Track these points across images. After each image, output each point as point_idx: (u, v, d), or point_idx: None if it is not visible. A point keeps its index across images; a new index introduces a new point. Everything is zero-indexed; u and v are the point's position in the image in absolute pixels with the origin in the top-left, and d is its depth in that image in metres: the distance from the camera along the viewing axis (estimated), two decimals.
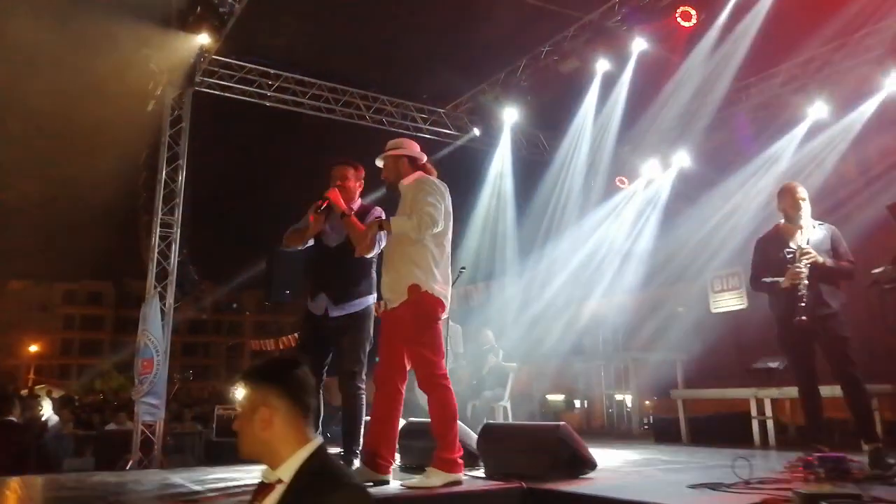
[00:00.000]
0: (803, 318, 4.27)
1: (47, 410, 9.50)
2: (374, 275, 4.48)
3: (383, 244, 4.25)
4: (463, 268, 7.63)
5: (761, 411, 6.64)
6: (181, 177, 8.87)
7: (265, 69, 9.58)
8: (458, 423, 5.51)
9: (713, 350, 8.82)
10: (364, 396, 4.39)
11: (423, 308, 3.84)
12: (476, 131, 10.88)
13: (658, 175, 10.70)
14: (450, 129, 10.97)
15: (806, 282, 4.34)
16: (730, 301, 9.79)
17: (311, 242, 4.57)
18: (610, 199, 11.15)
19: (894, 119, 7.84)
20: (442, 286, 3.91)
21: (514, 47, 9.67)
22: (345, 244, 4.36)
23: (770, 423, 6.57)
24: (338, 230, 4.44)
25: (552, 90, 9.52)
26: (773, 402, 6.57)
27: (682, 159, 10.40)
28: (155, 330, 8.32)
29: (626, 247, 10.63)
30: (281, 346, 41.50)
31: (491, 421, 6.82)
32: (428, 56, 10.02)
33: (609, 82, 9.00)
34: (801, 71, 8.86)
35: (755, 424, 6.67)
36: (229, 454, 7.87)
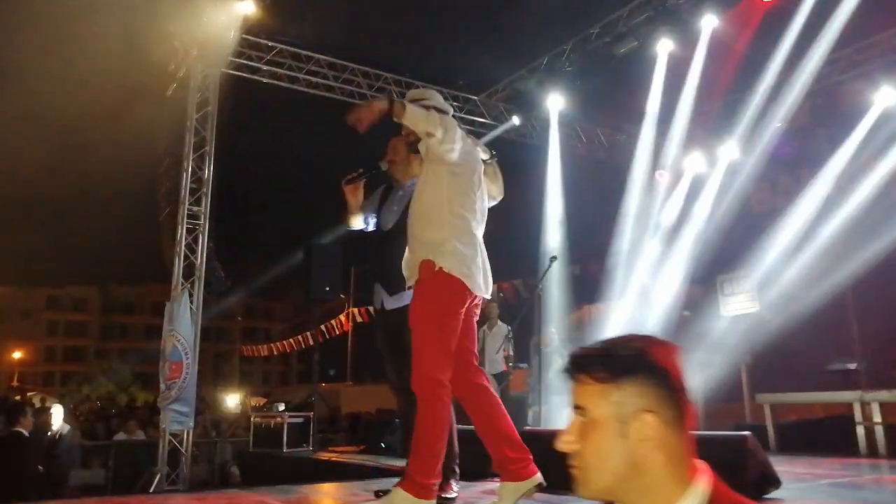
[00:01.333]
0: None
1: (57, 420, 8.79)
2: None
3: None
4: (554, 257, 7.04)
5: (867, 416, 6.08)
6: (209, 165, 8.19)
7: (296, 51, 8.92)
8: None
9: (773, 352, 8.29)
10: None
11: (435, 290, 3.07)
12: (516, 120, 10.28)
13: (703, 168, 10.12)
14: (486, 118, 10.37)
15: None
16: (741, 304, 9.45)
17: (373, 222, 3.95)
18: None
19: None
20: (465, 264, 3.10)
21: (560, 29, 9.11)
22: (400, 225, 3.66)
23: (880, 430, 6.01)
24: (394, 210, 3.81)
25: (603, 75, 8.91)
26: (882, 405, 6.01)
27: (731, 151, 9.85)
28: (184, 330, 7.64)
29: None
30: (274, 353, 40.76)
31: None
32: (464, 39, 9.46)
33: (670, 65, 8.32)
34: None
35: (860, 431, 6.11)
36: (269, 467, 7.20)
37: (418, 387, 3.04)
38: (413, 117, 3.04)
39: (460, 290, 3.09)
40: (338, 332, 29.77)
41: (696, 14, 7.65)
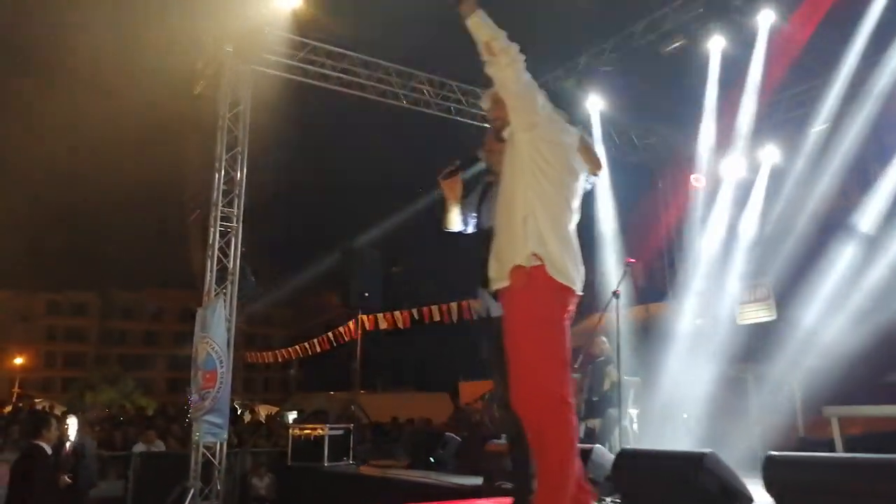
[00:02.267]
0: None
1: (73, 432, 8.46)
2: None
3: None
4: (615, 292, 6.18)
5: None
6: (241, 165, 7.88)
7: (330, 48, 8.62)
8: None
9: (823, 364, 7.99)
10: None
11: (536, 293, 2.65)
12: None
13: (744, 172, 9.81)
14: None
15: None
16: (757, 312, 9.19)
17: (473, 222, 3.61)
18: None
19: None
20: (567, 262, 2.71)
21: (600, 26, 8.81)
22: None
23: None
24: (494, 206, 3.44)
25: (645, 75, 8.61)
26: None
27: (773, 154, 9.57)
28: (219, 338, 7.31)
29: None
30: (280, 360, 40.27)
31: (627, 446, 5.90)
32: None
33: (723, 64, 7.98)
34: None
35: None
36: (310, 482, 6.87)
37: (535, 406, 2.67)
38: (479, 20, 2.67)
39: (560, 292, 2.71)
40: (346, 340, 29.38)
41: (752, 9, 7.36)
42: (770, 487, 3.15)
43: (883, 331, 7.58)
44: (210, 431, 7.26)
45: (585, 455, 4.82)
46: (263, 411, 23.89)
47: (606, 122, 9.54)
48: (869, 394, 7.15)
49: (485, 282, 3.36)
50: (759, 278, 9.09)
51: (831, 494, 3.01)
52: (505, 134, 2.96)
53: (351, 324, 31.36)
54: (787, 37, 7.15)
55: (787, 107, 9.35)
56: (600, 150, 9.50)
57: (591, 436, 6.75)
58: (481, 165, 3.53)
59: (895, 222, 7.67)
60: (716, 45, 7.76)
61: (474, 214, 3.57)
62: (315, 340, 30.57)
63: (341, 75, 8.72)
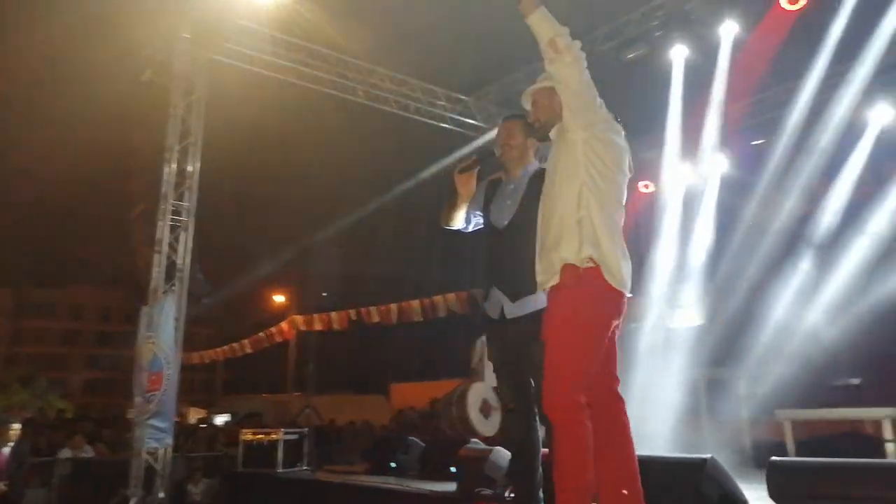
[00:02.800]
0: None
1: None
2: None
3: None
4: None
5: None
6: (194, 157, 7.50)
7: (290, 40, 8.32)
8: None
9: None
10: None
11: (583, 296, 2.62)
12: None
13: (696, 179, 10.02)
14: (476, 120, 10.00)
15: None
16: (687, 316, 9.49)
17: (476, 221, 3.51)
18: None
19: None
20: (621, 265, 2.67)
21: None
22: (517, 221, 3.27)
23: None
24: (507, 205, 3.36)
25: (610, 81, 8.63)
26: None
27: (721, 163, 9.80)
28: (166, 338, 6.93)
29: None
30: (206, 361, 38.92)
31: None
32: (456, 35, 9.04)
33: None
34: None
35: (891, 448, 6.03)
36: (264, 489, 6.56)
37: (554, 409, 2.62)
38: (543, 16, 2.64)
39: (606, 292, 2.66)
40: (278, 341, 28.70)
41: (715, 20, 7.51)
42: (775, 493, 3.15)
43: (833, 336, 7.88)
44: (154, 436, 6.87)
45: (484, 456, 4.86)
46: (193, 415, 23.04)
47: None
48: (817, 397, 7.40)
49: (501, 281, 3.24)
50: (688, 282, 9.31)
51: (835, 500, 3.02)
52: (552, 133, 2.89)
53: (284, 324, 30.71)
54: (751, 49, 7.34)
55: (739, 117, 9.58)
56: None
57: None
58: (494, 158, 3.42)
59: (847, 235, 7.99)
60: (678, 55, 7.87)
61: (478, 213, 3.45)
62: (245, 341, 29.75)
63: (301, 68, 8.44)
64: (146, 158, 7.95)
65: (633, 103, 9.16)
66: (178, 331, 7.08)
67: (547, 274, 2.75)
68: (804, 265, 8.16)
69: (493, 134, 9.97)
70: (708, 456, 3.30)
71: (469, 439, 6.18)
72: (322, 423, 11.41)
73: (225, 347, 33.90)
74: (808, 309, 8.03)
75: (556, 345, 2.64)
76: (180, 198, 7.41)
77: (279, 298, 27.87)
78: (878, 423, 6.56)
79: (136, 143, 8.23)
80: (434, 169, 10.36)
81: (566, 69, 2.66)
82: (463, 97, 9.90)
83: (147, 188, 7.85)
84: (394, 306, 20.96)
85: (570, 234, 2.67)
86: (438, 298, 20.49)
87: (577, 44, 2.66)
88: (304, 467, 6.90)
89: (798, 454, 6.60)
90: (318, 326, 23.72)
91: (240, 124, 8.71)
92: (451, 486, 5.23)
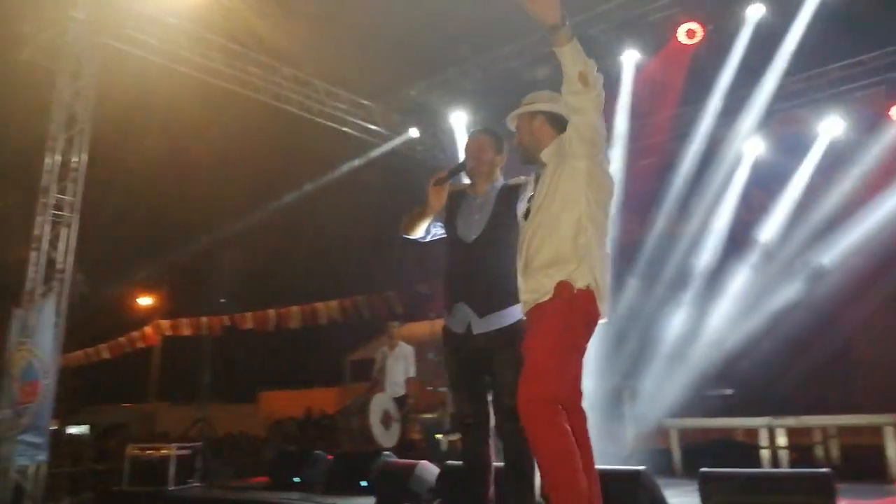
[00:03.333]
0: None
1: None
2: None
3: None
4: None
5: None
6: (81, 148, 6.90)
7: (192, 28, 7.85)
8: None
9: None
10: None
11: (572, 314, 2.67)
12: (413, 132, 9.92)
13: None
14: (379, 126, 9.90)
15: None
16: None
17: (435, 232, 3.47)
18: None
19: None
20: (607, 294, 2.77)
21: (469, 43, 8.93)
22: (486, 237, 3.27)
23: (784, 453, 6.47)
24: (475, 219, 3.34)
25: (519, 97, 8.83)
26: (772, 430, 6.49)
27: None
28: (44, 344, 6.30)
29: None
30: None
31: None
32: (365, 41, 8.94)
33: None
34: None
35: (766, 454, 6.53)
36: None
37: (534, 401, 2.58)
38: (575, 49, 2.61)
39: (594, 318, 2.73)
40: (142, 346, 26.93)
41: (617, 49, 7.89)
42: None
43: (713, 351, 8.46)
44: (25, 453, 6.22)
45: (409, 470, 4.89)
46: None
47: None
48: (699, 406, 7.89)
49: (469, 297, 3.19)
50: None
51: None
52: (544, 155, 2.90)
53: (148, 328, 28.86)
54: (649, 77, 7.77)
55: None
56: None
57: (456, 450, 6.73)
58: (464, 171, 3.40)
59: (731, 259, 8.63)
60: None
61: (438, 224, 3.41)
62: (103, 346, 27.67)
63: (204, 61, 8.00)
64: (22, 146, 7.24)
65: None
66: (56, 338, 6.46)
67: (535, 293, 2.75)
68: (689, 294, 8.70)
69: (397, 142, 9.96)
70: (642, 468, 3.40)
71: (382, 451, 6.09)
72: (216, 437, 10.79)
73: (79, 353, 31.42)
74: (697, 327, 8.57)
75: (540, 350, 2.64)
76: (63, 191, 6.78)
77: (146, 301, 26.22)
78: (752, 431, 7.07)
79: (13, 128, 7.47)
80: (332, 175, 10.16)
81: (591, 102, 2.68)
82: (366, 102, 9.77)
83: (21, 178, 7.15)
84: (272, 312, 20.31)
85: (568, 258, 2.71)
86: (320, 305, 20.10)
87: (602, 78, 2.70)
88: (197, 483, 6.51)
89: (683, 461, 7.00)
90: (186, 331, 22.51)
91: (136, 116, 8.13)
92: (365, 501, 5.11)
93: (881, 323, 8.81)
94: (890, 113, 8.32)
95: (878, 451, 6.03)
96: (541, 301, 2.71)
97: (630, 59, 7.92)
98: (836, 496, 3.24)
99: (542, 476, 2.63)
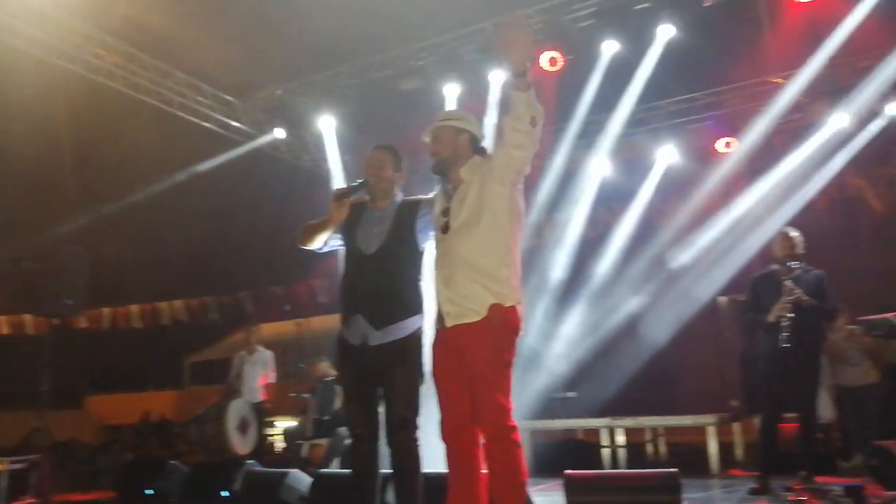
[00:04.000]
0: (786, 345, 4.79)
1: None
2: (422, 288, 3.44)
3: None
4: None
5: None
6: None
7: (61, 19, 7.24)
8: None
9: None
10: (420, 452, 3.31)
11: (510, 331, 2.95)
12: (279, 133, 9.71)
13: None
14: (241, 124, 9.61)
15: (790, 315, 4.87)
16: None
17: (332, 243, 3.52)
18: None
19: None
20: (523, 303, 3.05)
21: (344, 50, 8.92)
22: (385, 250, 3.35)
23: (622, 451, 7.08)
24: (374, 232, 3.41)
25: (388, 107, 8.94)
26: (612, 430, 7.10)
27: None
28: None
29: None
30: None
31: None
32: (231, 35, 8.68)
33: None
34: None
35: (606, 452, 7.12)
36: None
37: (492, 438, 2.88)
38: (531, 96, 2.85)
39: (519, 332, 3.01)
40: None
41: (486, 66, 8.24)
42: None
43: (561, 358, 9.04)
44: None
45: (279, 478, 4.88)
46: None
47: (342, 142, 9.62)
48: (547, 408, 8.41)
49: (366, 309, 3.25)
50: None
51: None
52: (464, 172, 3.12)
53: None
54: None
55: None
56: (336, 167, 9.59)
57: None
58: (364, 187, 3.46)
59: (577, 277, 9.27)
60: (451, 92, 8.45)
61: (337, 235, 3.47)
62: None
63: (53, 42, 7.38)
64: None
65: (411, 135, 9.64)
66: None
67: (461, 306, 2.97)
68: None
69: (261, 141, 9.73)
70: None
71: (242, 459, 5.97)
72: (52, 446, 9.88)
73: None
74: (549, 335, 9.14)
75: (498, 378, 2.92)
76: None
77: None
78: (592, 431, 7.67)
79: None
80: (187, 172, 9.73)
81: (530, 141, 2.93)
82: (230, 98, 9.46)
83: None
84: (107, 310, 19.04)
85: (496, 277, 2.95)
86: (163, 305, 19.06)
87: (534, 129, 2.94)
88: (31, 500, 6.01)
89: (535, 460, 7.45)
90: (3, 330, 20.47)
91: None
92: None
93: (697, 330, 9.89)
94: (715, 146, 9.39)
95: (701, 448, 6.79)
96: (471, 321, 2.93)
97: (497, 78, 8.30)
98: (682, 493, 3.69)
99: (504, 494, 2.87)
